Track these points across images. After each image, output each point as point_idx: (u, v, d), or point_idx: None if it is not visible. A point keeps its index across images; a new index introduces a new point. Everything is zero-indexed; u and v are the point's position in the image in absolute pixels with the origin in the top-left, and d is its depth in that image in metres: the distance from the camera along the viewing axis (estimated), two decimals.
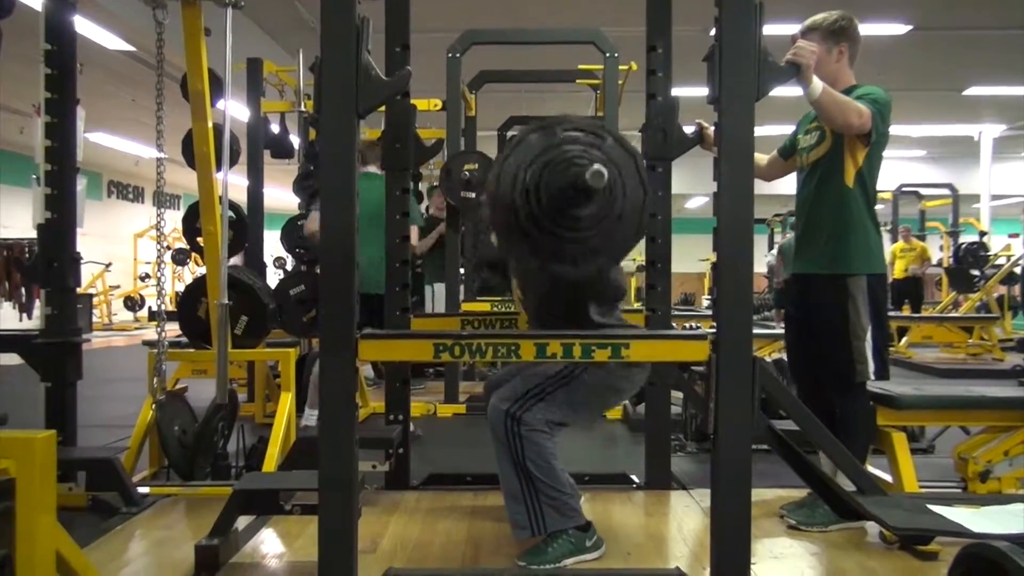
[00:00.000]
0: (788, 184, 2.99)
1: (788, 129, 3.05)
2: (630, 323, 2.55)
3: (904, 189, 11.34)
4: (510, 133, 7.18)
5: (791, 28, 2.68)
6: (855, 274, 2.69)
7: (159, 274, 3.28)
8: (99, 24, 6.66)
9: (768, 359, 4.98)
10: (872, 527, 2.55)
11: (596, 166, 1.66)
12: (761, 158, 3.02)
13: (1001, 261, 10.47)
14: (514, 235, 1.81)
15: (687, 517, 2.79)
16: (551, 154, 1.77)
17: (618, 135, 1.85)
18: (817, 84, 2.48)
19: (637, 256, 6.39)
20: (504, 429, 2.24)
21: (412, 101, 3.07)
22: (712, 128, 2.66)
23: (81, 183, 3.05)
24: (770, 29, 1.76)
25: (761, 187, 1.96)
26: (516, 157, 1.80)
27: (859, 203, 2.69)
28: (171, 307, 4.12)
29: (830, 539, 2.55)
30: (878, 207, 2.79)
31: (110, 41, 7.16)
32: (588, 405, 2.40)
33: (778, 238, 12.64)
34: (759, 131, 1.80)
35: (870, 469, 2.77)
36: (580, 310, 2.35)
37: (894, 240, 10.82)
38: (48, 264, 2.93)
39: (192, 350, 3.55)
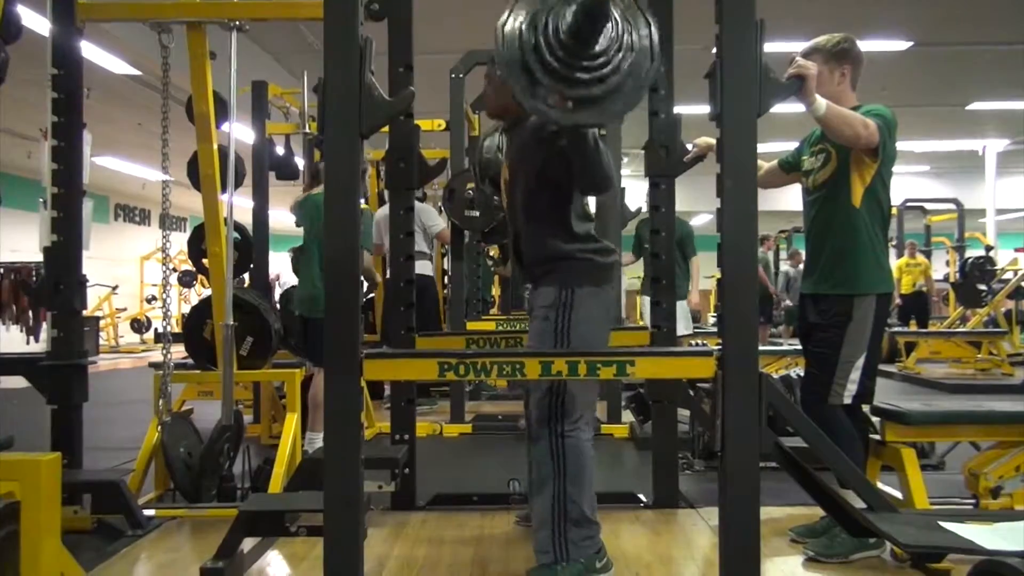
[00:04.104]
0: (792, 200, 2.99)
1: (791, 146, 3.06)
2: (605, 243, 2.42)
3: (909, 204, 11.33)
4: None
5: (791, 45, 2.70)
6: (864, 294, 2.67)
7: (165, 296, 3.29)
8: (105, 49, 6.73)
9: (775, 375, 4.96)
10: (889, 555, 2.52)
11: None
12: (760, 165, 3.01)
13: (1008, 275, 10.43)
14: (518, 72, 1.74)
15: (696, 536, 2.77)
16: None
17: (642, 2, 1.79)
18: (821, 101, 2.48)
19: (638, 275, 6.39)
20: (548, 432, 2.25)
21: (416, 121, 3.08)
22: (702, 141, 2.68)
23: (87, 206, 3.07)
24: (771, 47, 1.77)
25: (765, 203, 1.96)
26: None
27: (867, 223, 2.67)
28: (177, 329, 4.13)
29: (844, 563, 2.52)
30: None
31: (116, 65, 7.23)
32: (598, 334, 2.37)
33: (782, 254, 12.63)
34: (761, 148, 1.81)
35: (880, 486, 2.74)
36: (563, 208, 2.32)
37: (900, 255, 10.81)
38: (54, 287, 2.94)
39: (198, 372, 3.55)
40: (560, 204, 2.34)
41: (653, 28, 1.77)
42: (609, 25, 1.71)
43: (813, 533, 2.71)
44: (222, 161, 3.21)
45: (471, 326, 5.00)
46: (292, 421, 3.35)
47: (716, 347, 1.83)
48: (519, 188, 2.42)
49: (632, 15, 1.76)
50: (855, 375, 2.62)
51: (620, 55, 1.74)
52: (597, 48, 1.72)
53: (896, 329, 9.55)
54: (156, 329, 13.99)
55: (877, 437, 2.82)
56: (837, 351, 2.64)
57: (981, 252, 10.71)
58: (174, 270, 3.56)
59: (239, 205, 3.28)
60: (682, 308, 6.08)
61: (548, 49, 1.71)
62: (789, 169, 2.98)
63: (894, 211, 11.01)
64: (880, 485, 2.76)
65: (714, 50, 1.83)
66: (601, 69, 1.73)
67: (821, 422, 2.56)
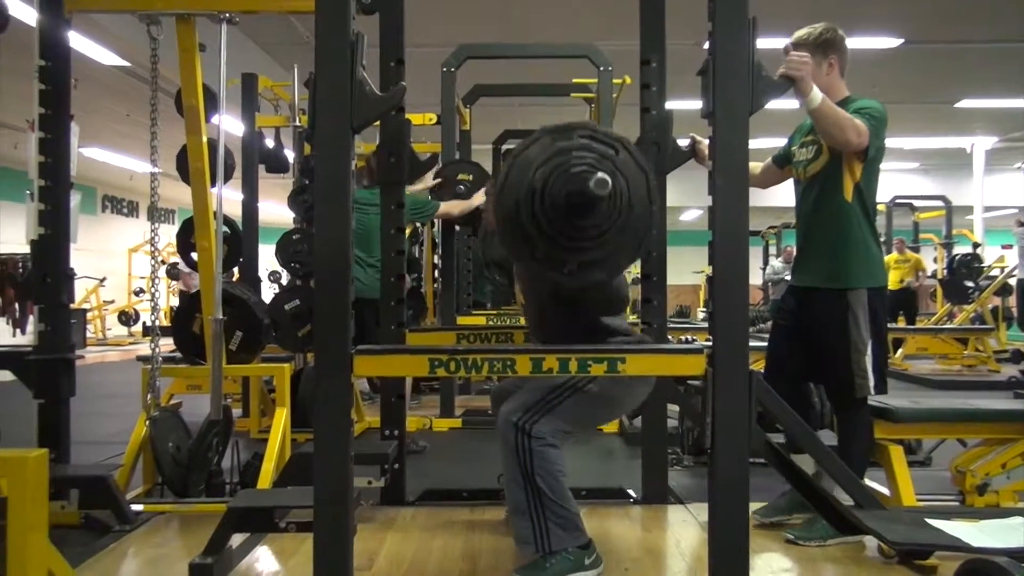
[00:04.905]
0: (783, 196, 3.00)
1: (783, 142, 3.06)
2: (638, 333, 2.49)
3: (898, 201, 11.39)
4: (506, 146, 7.17)
5: (781, 42, 2.69)
6: (855, 288, 2.69)
7: (153, 289, 3.26)
8: (94, 40, 6.66)
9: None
10: (870, 541, 2.54)
11: (600, 174, 1.63)
12: (755, 166, 3.02)
13: (995, 272, 10.50)
14: (516, 236, 1.78)
15: (684, 532, 2.78)
16: (561, 159, 1.75)
17: (634, 149, 1.82)
18: (816, 94, 2.48)
19: (634, 268, 6.40)
20: (514, 441, 2.21)
21: (407, 116, 3.07)
22: (706, 142, 2.69)
23: (75, 198, 3.04)
24: (764, 43, 1.77)
25: (756, 199, 1.96)
26: (526, 158, 1.77)
27: (858, 217, 2.69)
28: (165, 322, 4.10)
29: (828, 554, 2.54)
30: None
31: (105, 56, 7.16)
32: (594, 416, 2.42)
33: (772, 250, 12.66)
34: (753, 143, 1.80)
35: (868, 483, 2.76)
36: (583, 316, 2.34)
37: (888, 252, 10.86)
38: (41, 280, 2.92)
39: (186, 366, 3.53)
40: (580, 314, 2.34)
41: (650, 179, 1.78)
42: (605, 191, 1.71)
43: (778, 511, 2.79)
44: (211, 154, 3.19)
45: (461, 321, 5.00)
46: (282, 415, 3.33)
47: (706, 343, 1.84)
48: (536, 307, 2.46)
49: (625, 166, 1.77)
50: (869, 367, 2.66)
51: (618, 216, 1.75)
52: (589, 222, 1.73)
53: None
54: (144, 322, 13.90)
55: None
56: (846, 343, 2.66)
57: (968, 249, 10.78)
58: (162, 262, 3.53)
59: (229, 198, 3.25)
60: None
61: (546, 220, 1.73)
62: (783, 163, 2.99)
63: (882, 207, 11.18)
64: (868, 482, 2.78)
65: (706, 46, 1.83)
66: (600, 236, 1.75)
67: (853, 418, 2.65)
